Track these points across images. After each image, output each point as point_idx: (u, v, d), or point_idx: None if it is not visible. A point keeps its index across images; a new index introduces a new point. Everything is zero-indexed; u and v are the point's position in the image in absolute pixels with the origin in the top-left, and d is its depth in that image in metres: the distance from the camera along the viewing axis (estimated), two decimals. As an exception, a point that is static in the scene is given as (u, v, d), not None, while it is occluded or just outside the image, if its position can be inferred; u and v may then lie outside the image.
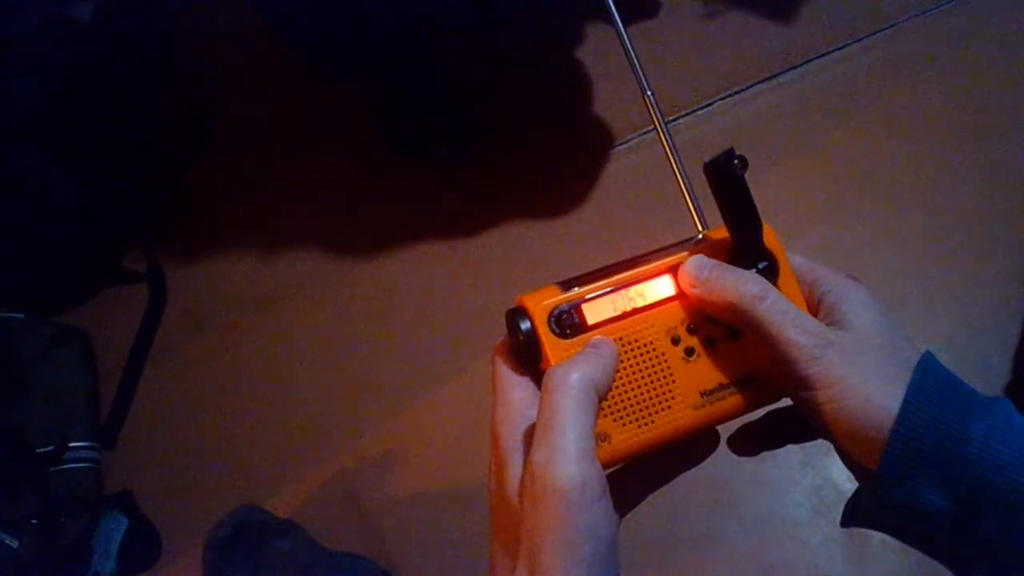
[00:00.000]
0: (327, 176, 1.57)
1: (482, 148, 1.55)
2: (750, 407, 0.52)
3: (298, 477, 1.34)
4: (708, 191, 0.51)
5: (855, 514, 0.51)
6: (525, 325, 0.50)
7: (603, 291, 0.51)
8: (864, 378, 0.46)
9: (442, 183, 1.54)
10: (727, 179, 0.49)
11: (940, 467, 0.44)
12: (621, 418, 0.49)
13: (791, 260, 0.53)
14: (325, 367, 1.42)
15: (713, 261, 0.51)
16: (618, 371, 0.49)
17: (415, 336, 1.43)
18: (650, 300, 0.51)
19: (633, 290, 0.51)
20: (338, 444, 1.36)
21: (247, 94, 1.66)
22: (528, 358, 0.50)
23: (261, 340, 1.45)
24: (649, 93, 0.57)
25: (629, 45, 0.59)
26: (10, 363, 1.34)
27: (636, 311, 0.51)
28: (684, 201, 0.55)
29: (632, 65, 0.59)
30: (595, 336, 0.49)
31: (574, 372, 0.45)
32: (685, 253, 0.52)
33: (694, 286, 0.50)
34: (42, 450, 1.28)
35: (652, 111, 0.57)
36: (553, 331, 0.49)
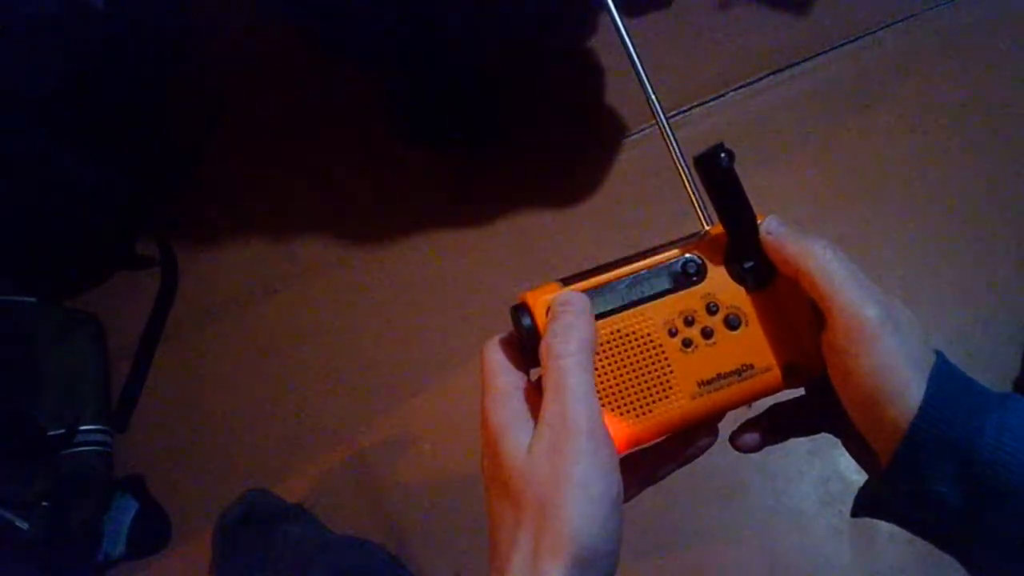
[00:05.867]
0: (340, 164, 1.57)
1: (495, 138, 1.55)
2: (748, 397, 0.53)
3: (307, 462, 1.35)
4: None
5: (865, 504, 0.52)
6: (527, 321, 0.51)
7: (601, 285, 0.53)
8: (906, 361, 0.46)
9: (454, 173, 1.54)
10: (715, 173, 0.51)
11: (954, 460, 0.44)
12: (618, 408, 0.51)
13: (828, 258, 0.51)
14: (335, 353, 1.43)
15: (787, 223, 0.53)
16: (616, 362, 0.51)
17: (425, 323, 1.43)
18: (648, 294, 0.53)
19: (631, 284, 0.53)
20: (347, 429, 1.37)
21: (261, 80, 1.66)
22: (532, 352, 0.51)
23: (271, 325, 1.46)
24: (653, 98, 0.59)
25: (632, 49, 0.60)
26: (22, 347, 1.35)
27: (633, 304, 0.52)
28: (688, 198, 0.56)
29: (635, 69, 0.60)
30: (561, 294, 0.51)
31: (572, 342, 0.48)
32: (677, 250, 0.54)
33: (769, 233, 0.52)
34: (53, 433, 1.29)
35: (656, 112, 0.58)
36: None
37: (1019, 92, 1.51)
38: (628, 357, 0.52)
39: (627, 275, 0.53)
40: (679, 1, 1.63)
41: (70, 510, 1.24)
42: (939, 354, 0.48)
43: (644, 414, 0.51)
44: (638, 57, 0.60)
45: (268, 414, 1.39)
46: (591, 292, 0.52)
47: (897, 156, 1.47)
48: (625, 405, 0.51)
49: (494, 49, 1.62)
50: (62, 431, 1.30)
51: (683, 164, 0.57)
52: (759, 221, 0.53)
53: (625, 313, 0.52)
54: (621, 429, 0.51)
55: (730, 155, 0.50)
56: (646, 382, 0.51)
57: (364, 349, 1.42)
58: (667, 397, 0.51)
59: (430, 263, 1.47)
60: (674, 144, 0.57)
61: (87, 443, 1.31)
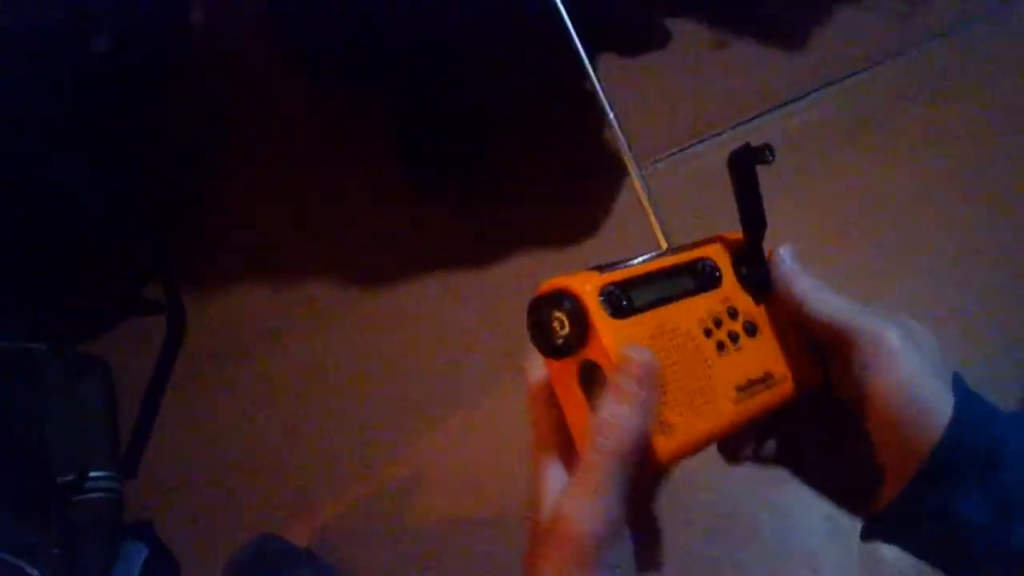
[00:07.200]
0: (343, 205, 1.58)
1: (497, 173, 1.56)
2: (772, 406, 0.51)
3: (316, 506, 1.35)
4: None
5: (876, 528, 0.51)
6: (570, 305, 0.45)
7: (641, 276, 0.48)
8: (933, 374, 0.47)
9: (457, 210, 1.55)
10: (741, 170, 0.50)
11: (978, 473, 0.45)
12: (678, 406, 0.46)
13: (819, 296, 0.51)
14: (342, 395, 1.43)
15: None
16: (667, 360, 0.46)
17: (432, 363, 1.43)
18: (680, 290, 0.49)
19: (666, 278, 0.49)
20: (356, 473, 1.37)
21: (265, 123, 1.67)
22: (566, 345, 0.45)
23: (279, 369, 1.46)
24: (611, 115, 0.59)
25: (595, 79, 0.60)
26: (32, 393, 1.35)
27: (672, 299, 0.48)
28: (649, 222, 0.56)
29: (600, 100, 0.60)
30: (639, 352, 0.44)
31: (623, 431, 0.43)
32: (697, 252, 0.52)
33: (783, 262, 0.52)
34: (63, 479, 1.29)
35: (622, 144, 0.58)
36: (606, 310, 0.45)
37: (1019, 121, 1.52)
38: (674, 354, 0.47)
39: (662, 269, 0.50)
40: (677, 40, 1.65)
41: (80, 556, 1.24)
42: (955, 373, 0.49)
43: (699, 416, 0.47)
44: (605, 93, 0.60)
45: (277, 457, 1.39)
46: (633, 280, 0.47)
47: (899, 189, 1.48)
48: (682, 404, 0.46)
49: (498, 84, 1.64)
50: (72, 477, 1.30)
51: (646, 193, 0.57)
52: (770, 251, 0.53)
53: (668, 308, 0.48)
54: (686, 429, 0.46)
55: (757, 152, 0.48)
56: (695, 382, 0.47)
57: (371, 391, 1.43)
58: (714, 400, 0.48)
59: (435, 302, 1.47)
60: (636, 171, 0.57)
61: (97, 489, 1.31)
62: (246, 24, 1.72)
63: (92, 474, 1.32)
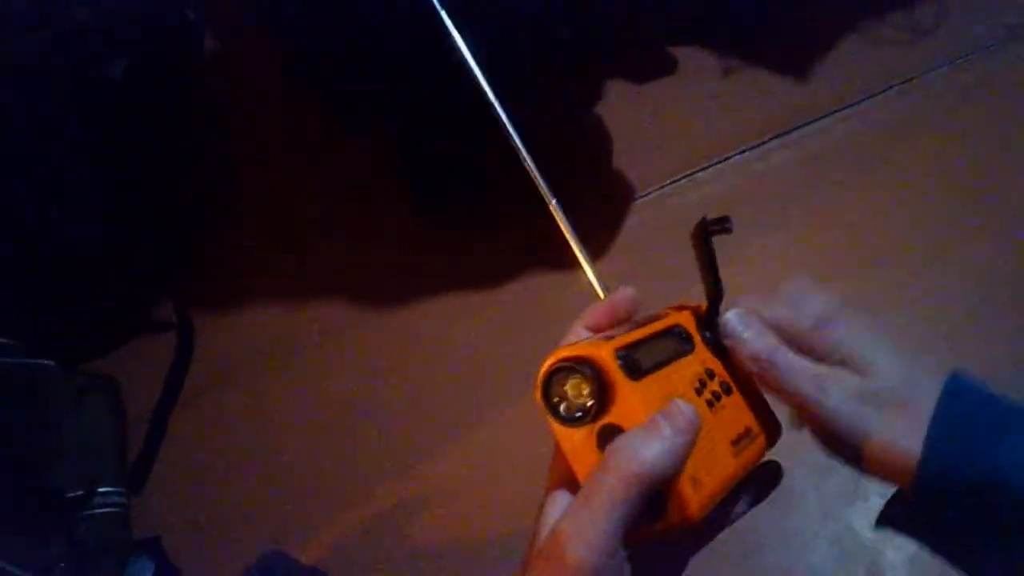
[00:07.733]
0: (352, 229, 1.60)
1: (502, 202, 1.57)
2: (756, 460, 0.53)
3: (324, 524, 1.35)
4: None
5: (889, 521, 0.52)
6: (590, 371, 0.45)
7: (641, 340, 0.49)
8: (886, 427, 0.47)
9: (464, 237, 1.56)
10: (698, 242, 0.52)
11: (970, 494, 0.45)
12: (699, 462, 0.46)
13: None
14: (350, 416, 1.43)
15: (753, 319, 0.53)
16: None
17: (437, 386, 1.44)
18: (671, 352, 0.51)
19: (658, 341, 0.51)
20: (362, 492, 1.37)
21: (274, 150, 1.69)
22: (587, 412, 0.46)
23: (286, 388, 1.47)
24: (554, 202, 0.60)
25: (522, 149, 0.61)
26: (41, 410, 1.36)
27: (668, 361, 0.50)
28: (585, 270, 0.57)
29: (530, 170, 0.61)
30: (683, 402, 0.46)
31: (640, 459, 0.42)
32: (671, 317, 0.54)
33: (728, 323, 0.53)
34: (71, 495, 1.30)
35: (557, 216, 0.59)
36: (625, 373, 0.45)
37: (1020, 151, 1.52)
38: None
39: (654, 332, 0.51)
40: (684, 67, 1.66)
41: (87, 572, 1.24)
42: (949, 380, 0.48)
43: (712, 470, 0.48)
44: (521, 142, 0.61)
45: (283, 476, 1.40)
46: (636, 344, 0.48)
47: (900, 217, 1.48)
48: (699, 462, 0.46)
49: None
50: (79, 493, 1.30)
51: (575, 238, 0.58)
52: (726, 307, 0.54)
53: (666, 369, 0.49)
54: (710, 480, 0.47)
55: (717, 223, 0.51)
56: (704, 438, 0.47)
57: (377, 412, 1.43)
58: (720, 455, 0.49)
59: (444, 326, 1.48)
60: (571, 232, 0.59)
61: (104, 505, 1.31)
62: (246, 24, 1.73)
63: (100, 490, 1.32)
